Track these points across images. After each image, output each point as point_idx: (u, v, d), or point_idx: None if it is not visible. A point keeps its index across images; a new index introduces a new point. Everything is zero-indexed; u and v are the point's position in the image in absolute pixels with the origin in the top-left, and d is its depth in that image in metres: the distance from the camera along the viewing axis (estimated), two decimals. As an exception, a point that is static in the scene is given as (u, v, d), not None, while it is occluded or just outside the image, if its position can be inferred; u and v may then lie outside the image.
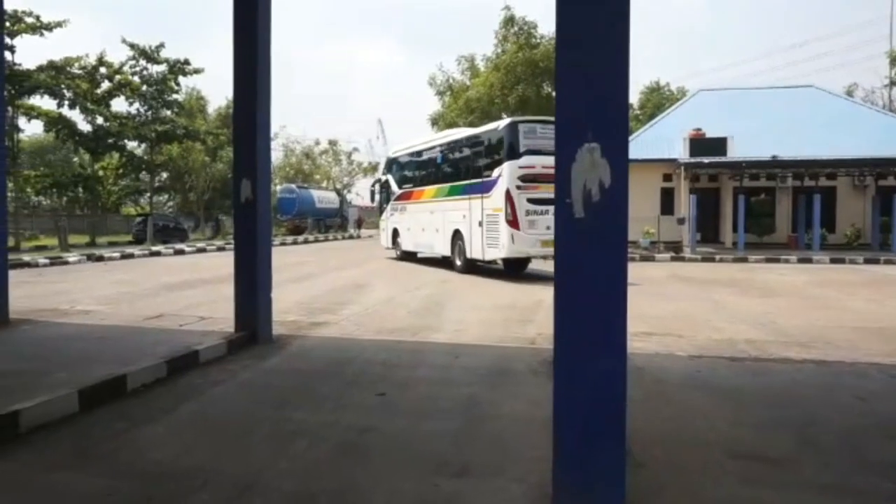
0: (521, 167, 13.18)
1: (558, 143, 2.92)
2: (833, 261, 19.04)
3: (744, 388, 5.19)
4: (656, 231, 23.15)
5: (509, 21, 23.76)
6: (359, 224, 48.63)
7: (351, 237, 39.96)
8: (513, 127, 13.58)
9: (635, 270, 14.12)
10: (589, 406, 2.84)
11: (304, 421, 4.28)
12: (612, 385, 2.82)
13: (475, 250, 14.65)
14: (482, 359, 6.13)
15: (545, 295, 10.54)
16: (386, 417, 4.34)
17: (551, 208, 10.49)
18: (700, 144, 23.97)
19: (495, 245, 13.75)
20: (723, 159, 23.18)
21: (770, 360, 6.23)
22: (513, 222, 13.12)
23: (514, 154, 13.30)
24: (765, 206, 25.22)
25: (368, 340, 7.06)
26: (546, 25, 24.26)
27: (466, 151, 15.74)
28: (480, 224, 14.25)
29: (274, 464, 3.51)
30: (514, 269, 14.99)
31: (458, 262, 15.64)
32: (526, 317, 8.85)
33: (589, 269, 2.85)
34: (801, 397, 4.96)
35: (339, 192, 50.16)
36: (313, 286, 12.45)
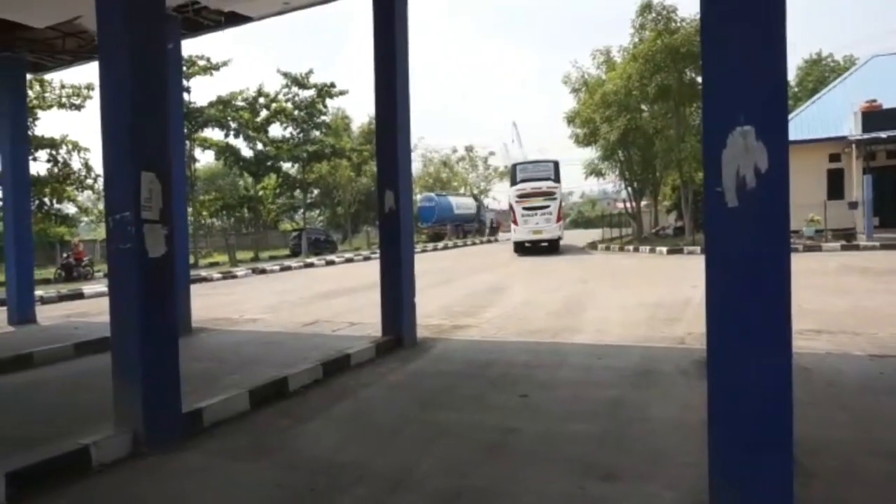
0: (517, 190, 23.92)
1: (706, 129, 2.72)
2: None
3: (941, 392, 4.52)
4: (822, 218, 20.85)
5: (646, 8, 22.61)
6: (496, 228, 48.86)
7: (488, 241, 40.36)
8: (513, 166, 26.31)
9: (799, 262, 12.84)
10: (749, 410, 2.62)
11: (448, 421, 4.39)
12: (775, 387, 2.58)
13: (513, 238, 24.70)
14: (627, 359, 5.91)
15: (694, 293, 9.91)
16: (529, 419, 4.33)
17: (538, 212, 22.67)
18: (876, 118, 21.16)
19: (513, 234, 24.25)
20: (907, 132, 20.35)
21: (975, 360, 5.36)
22: (515, 221, 23.66)
23: (514, 182, 24.60)
24: (963, 182, 21.77)
25: (509, 342, 7.09)
26: (686, 8, 22.82)
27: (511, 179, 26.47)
28: (512, 222, 24.29)
29: (422, 461, 3.64)
30: (550, 251, 23.64)
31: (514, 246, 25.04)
32: (673, 315, 8.39)
33: (745, 262, 2.62)
34: None
35: (476, 198, 50.87)
36: (454, 290, 12.74)
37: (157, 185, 4.06)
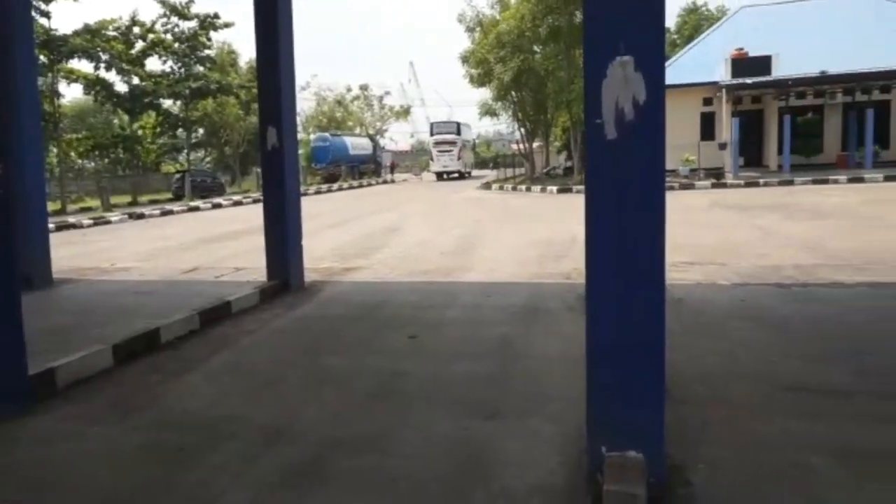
0: (433, 138, 38.92)
1: (587, 59, 2.64)
2: (888, 178, 18.06)
3: (792, 316, 4.93)
4: (696, 158, 22.23)
5: (537, -55, 22.42)
6: (392, 169, 48.30)
7: (385, 182, 39.85)
8: (431, 124, 41.90)
9: (674, 199, 13.64)
10: (623, 340, 2.66)
11: (335, 366, 4.25)
12: (648, 317, 2.62)
13: (432, 169, 39.54)
14: (515, 297, 6.00)
15: (580, 230, 10.24)
16: (417, 360, 4.27)
17: (445, 154, 39.18)
18: (743, 65, 22.65)
19: (432, 167, 39.37)
20: (767, 79, 21.91)
21: (820, 284, 5.92)
22: (432, 159, 39.18)
23: (432, 134, 39.86)
24: (812, 125, 23.91)
25: (400, 283, 7.00)
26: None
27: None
28: (430, 160, 40.09)
29: (305, 410, 3.49)
30: (460, 178, 37.46)
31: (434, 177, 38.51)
32: (561, 252, 8.65)
33: (623, 194, 2.61)
34: (855, 324, 4.69)
35: (371, 138, 49.61)
36: (347, 232, 12.43)
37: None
